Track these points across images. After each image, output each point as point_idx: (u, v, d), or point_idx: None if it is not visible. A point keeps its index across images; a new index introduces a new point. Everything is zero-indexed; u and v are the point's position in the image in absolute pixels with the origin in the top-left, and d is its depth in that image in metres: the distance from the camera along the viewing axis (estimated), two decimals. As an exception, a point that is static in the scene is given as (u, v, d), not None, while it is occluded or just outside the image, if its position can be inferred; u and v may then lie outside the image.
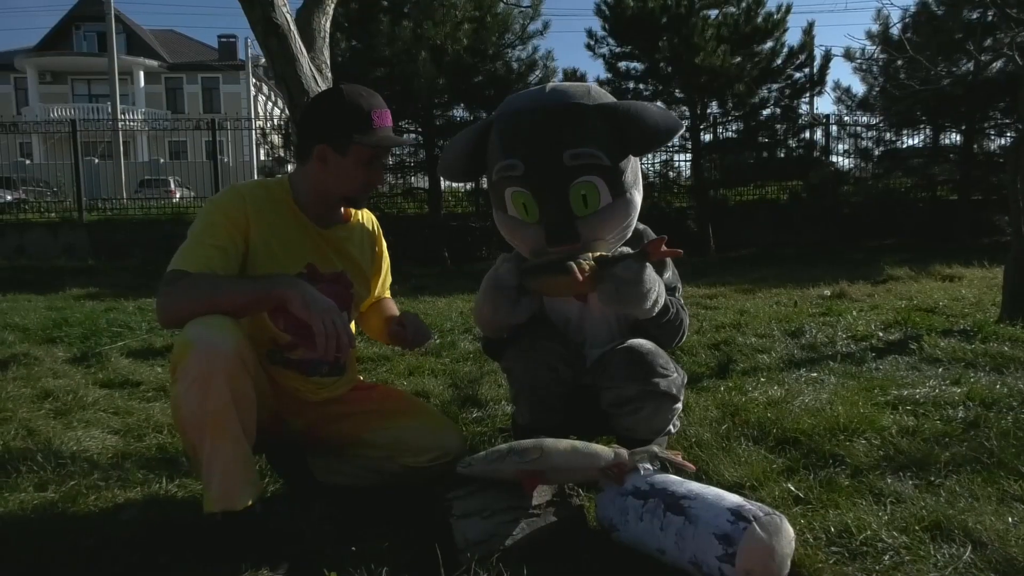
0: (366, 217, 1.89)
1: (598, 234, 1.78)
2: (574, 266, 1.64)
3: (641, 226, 1.94)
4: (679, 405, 1.84)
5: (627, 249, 1.77)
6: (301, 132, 1.71)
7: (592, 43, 9.72)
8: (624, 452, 1.56)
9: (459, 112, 9.60)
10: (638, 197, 1.83)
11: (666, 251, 1.73)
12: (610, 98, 1.81)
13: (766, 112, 9.94)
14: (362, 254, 1.84)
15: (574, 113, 1.73)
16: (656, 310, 1.75)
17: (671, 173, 10.33)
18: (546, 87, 1.82)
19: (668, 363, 1.80)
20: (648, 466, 1.55)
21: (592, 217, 1.76)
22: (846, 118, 10.70)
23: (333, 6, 4.20)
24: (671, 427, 1.88)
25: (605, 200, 1.75)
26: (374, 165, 1.68)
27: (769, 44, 9.45)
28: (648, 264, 1.71)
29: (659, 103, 9.56)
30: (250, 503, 1.48)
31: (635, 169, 1.83)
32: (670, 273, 1.91)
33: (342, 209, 1.80)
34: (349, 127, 1.63)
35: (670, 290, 1.89)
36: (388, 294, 2.04)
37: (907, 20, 9.37)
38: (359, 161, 1.66)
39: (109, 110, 19.22)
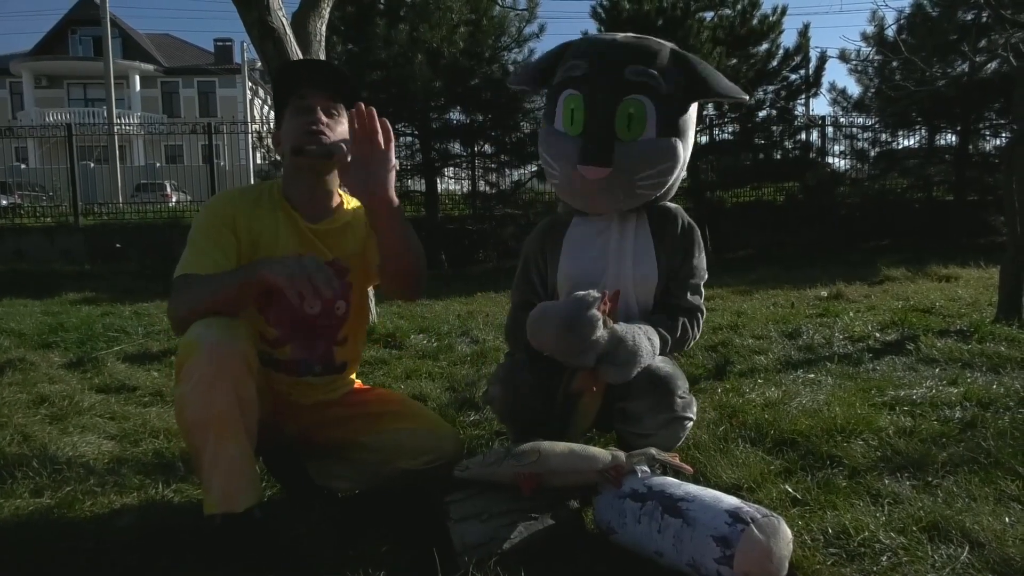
0: (360, 211, 1.81)
1: (631, 167, 1.75)
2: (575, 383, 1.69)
3: (674, 206, 1.93)
4: (691, 424, 1.81)
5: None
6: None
7: (588, 46, 9.73)
8: (622, 455, 1.56)
9: (455, 115, 9.61)
10: (682, 153, 1.82)
11: (609, 303, 1.67)
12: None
13: (762, 114, 9.96)
14: (359, 237, 1.78)
15: (646, 45, 1.80)
16: (656, 351, 1.73)
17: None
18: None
19: (686, 386, 1.78)
20: (646, 468, 1.55)
21: (631, 144, 1.75)
22: (842, 119, 10.73)
23: (329, 9, 4.21)
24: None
25: (650, 132, 1.75)
26: (301, 111, 1.66)
27: (765, 46, 9.48)
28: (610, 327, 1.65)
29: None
30: (250, 506, 1.48)
31: (689, 130, 1.84)
32: (698, 257, 1.89)
33: (333, 202, 1.77)
34: (276, 104, 1.72)
35: (698, 275, 1.89)
36: None
37: (902, 21, 9.40)
38: (289, 117, 1.68)
39: (105, 114, 19.17)
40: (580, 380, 1.70)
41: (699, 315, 1.89)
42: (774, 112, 9.95)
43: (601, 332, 1.61)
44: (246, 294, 1.53)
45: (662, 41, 1.83)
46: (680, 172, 1.85)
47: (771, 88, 9.77)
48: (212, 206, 1.69)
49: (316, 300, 1.41)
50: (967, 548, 1.42)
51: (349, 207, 1.81)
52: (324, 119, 1.66)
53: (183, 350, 1.47)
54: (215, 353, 1.43)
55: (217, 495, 1.46)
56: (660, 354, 1.76)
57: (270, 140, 1.83)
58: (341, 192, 1.83)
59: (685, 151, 1.83)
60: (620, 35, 1.84)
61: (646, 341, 1.70)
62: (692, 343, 1.91)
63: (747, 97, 1.81)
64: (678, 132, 1.79)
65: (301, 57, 3.80)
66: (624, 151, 1.74)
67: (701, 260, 1.89)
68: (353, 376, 1.93)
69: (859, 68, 10.03)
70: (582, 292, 1.66)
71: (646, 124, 1.74)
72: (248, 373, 1.48)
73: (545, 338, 1.65)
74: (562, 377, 1.78)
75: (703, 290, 1.91)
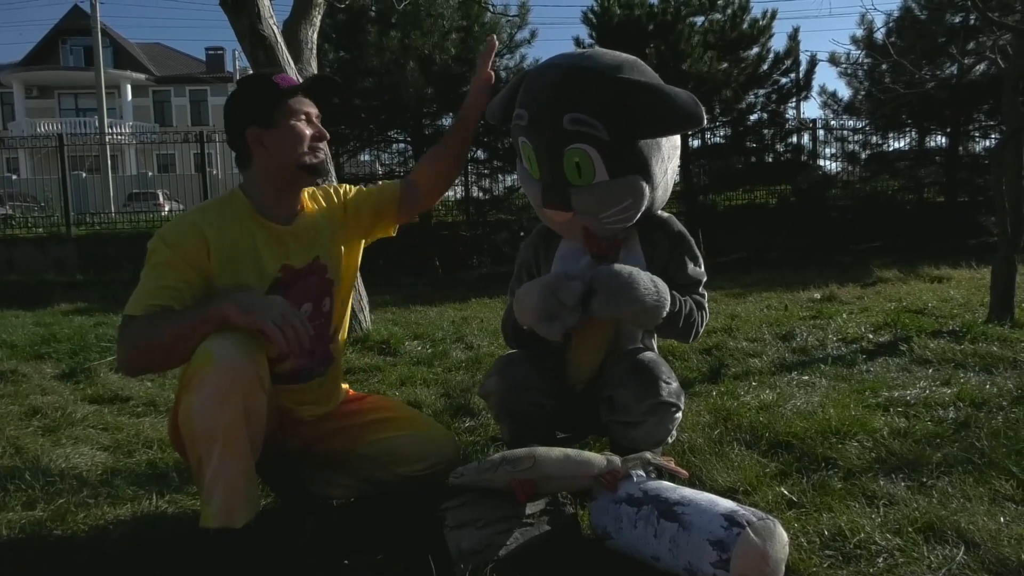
0: (321, 190, 1.83)
1: (590, 209, 1.73)
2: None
3: (665, 215, 1.90)
4: (680, 415, 1.81)
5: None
6: (230, 136, 1.68)
7: (579, 51, 9.76)
8: (617, 459, 1.56)
9: (448, 121, 9.62)
10: (647, 188, 1.74)
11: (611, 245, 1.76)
12: (645, 76, 1.74)
13: (753, 117, 10.02)
14: (332, 225, 1.78)
15: (588, 79, 1.69)
16: (663, 310, 1.66)
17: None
18: (586, 51, 1.80)
19: (670, 373, 1.78)
20: (641, 473, 1.55)
21: (585, 189, 1.71)
22: (832, 122, 10.80)
23: (320, 17, 4.21)
24: (668, 438, 1.87)
25: (600, 175, 1.70)
26: (307, 121, 1.67)
27: (755, 50, 9.54)
28: (621, 263, 1.69)
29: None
30: (248, 521, 1.47)
31: (652, 156, 1.74)
32: (692, 266, 1.86)
33: (299, 203, 1.74)
34: (261, 100, 1.63)
35: (695, 284, 1.84)
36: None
37: (891, 24, 9.50)
38: (289, 121, 1.64)
39: (96, 124, 19.17)
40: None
41: (703, 309, 1.85)
42: (765, 115, 10.01)
43: (576, 309, 1.64)
44: (201, 332, 1.47)
45: (612, 61, 1.72)
46: (658, 192, 1.81)
47: (762, 92, 9.85)
48: (170, 239, 1.57)
49: (300, 348, 1.46)
50: (963, 548, 1.42)
51: (312, 206, 1.78)
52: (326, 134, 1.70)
53: (197, 360, 1.45)
54: (230, 367, 1.42)
55: (216, 509, 1.45)
56: (669, 308, 1.68)
57: (248, 136, 1.72)
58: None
59: (653, 176, 1.76)
60: (564, 64, 1.73)
61: (647, 277, 1.65)
62: (699, 329, 1.83)
63: (702, 121, 1.68)
64: (635, 167, 1.73)
65: (292, 65, 3.81)
66: (580, 196, 1.72)
67: (697, 267, 1.86)
68: (341, 373, 1.92)
69: (849, 71, 10.10)
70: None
71: (595, 169, 1.70)
72: (260, 388, 1.48)
73: (527, 301, 1.68)
74: (556, 369, 1.80)
75: (704, 292, 1.88)
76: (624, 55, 1.77)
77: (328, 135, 1.72)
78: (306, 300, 1.71)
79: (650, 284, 1.64)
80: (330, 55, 8.75)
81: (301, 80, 1.70)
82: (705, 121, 1.70)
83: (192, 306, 1.52)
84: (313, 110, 1.69)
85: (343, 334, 1.88)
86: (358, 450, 1.78)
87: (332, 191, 1.85)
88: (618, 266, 1.66)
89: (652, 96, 1.67)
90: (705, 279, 1.88)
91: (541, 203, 1.79)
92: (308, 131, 1.66)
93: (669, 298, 1.67)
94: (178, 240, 1.57)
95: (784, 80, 9.89)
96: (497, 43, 1.90)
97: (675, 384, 1.77)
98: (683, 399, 1.80)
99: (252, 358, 1.46)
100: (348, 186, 1.90)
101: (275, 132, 1.63)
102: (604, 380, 1.78)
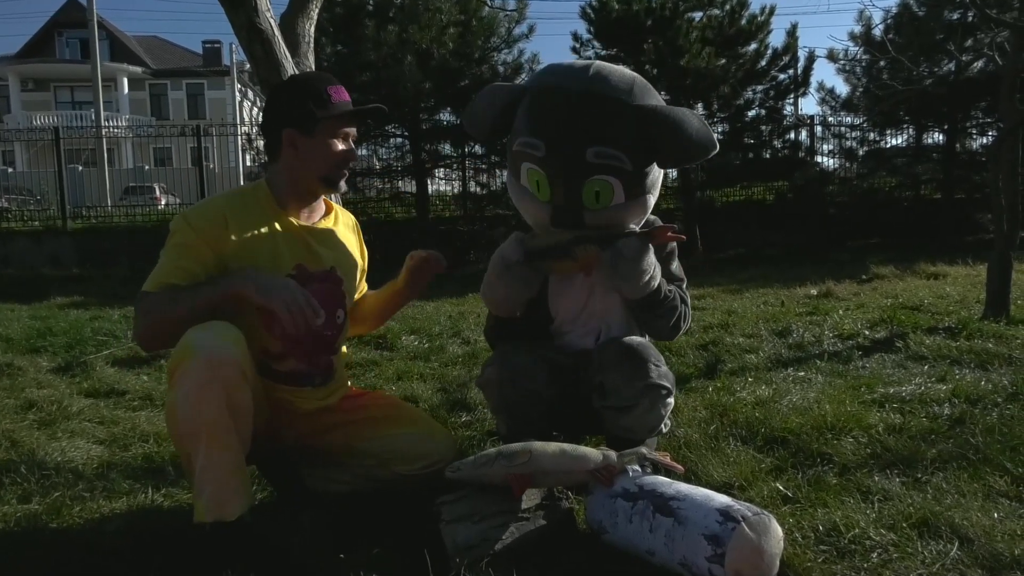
0: (346, 215, 1.91)
1: (602, 226, 1.78)
2: (578, 253, 1.67)
3: (652, 216, 1.93)
4: (672, 400, 1.82)
5: (634, 227, 1.77)
6: (266, 126, 1.71)
7: (577, 46, 9.74)
8: (613, 454, 1.56)
9: (445, 116, 9.60)
10: (652, 200, 1.83)
11: (670, 236, 1.76)
12: (652, 98, 1.76)
13: (751, 113, 9.98)
14: (349, 245, 1.85)
15: (610, 109, 1.69)
16: (649, 290, 1.73)
17: (658, 175, 10.36)
18: (590, 68, 1.75)
19: (659, 357, 1.80)
20: (637, 468, 1.56)
21: (601, 212, 1.75)
22: (830, 119, 10.77)
23: (318, 11, 4.19)
24: (663, 426, 1.88)
25: (618, 199, 1.74)
26: (343, 139, 1.70)
27: (753, 46, 9.50)
28: (650, 246, 1.72)
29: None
30: (241, 513, 1.47)
31: (657, 173, 1.82)
32: (676, 264, 1.92)
33: (323, 203, 1.80)
34: (309, 106, 1.64)
35: (677, 280, 1.88)
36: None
37: (889, 21, 9.44)
38: (327, 137, 1.67)
39: (93, 117, 19.06)
40: (586, 253, 1.69)
41: (687, 304, 1.90)
42: (763, 112, 9.99)
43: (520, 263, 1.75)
44: (217, 307, 1.52)
45: (623, 84, 1.71)
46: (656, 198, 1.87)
47: (760, 88, 9.81)
48: (194, 220, 1.61)
49: (305, 328, 1.49)
50: (956, 544, 1.43)
51: (339, 221, 1.83)
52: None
53: (176, 355, 1.46)
54: (209, 359, 1.43)
55: (208, 503, 1.45)
56: (661, 297, 1.78)
57: (284, 135, 1.67)
58: (328, 200, 1.86)
59: (655, 195, 1.83)
60: (575, 89, 1.70)
61: (654, 261, 1.73)
62: (683, 322, 1.88)
63: (715, 147, 1.73)
64: (649, 187, 1.79)
65: (290, 59, 3.79)
66: (595, 217, 1.76)
67: (679, 267, 1.93)
68: (346, 380, 1.93)
69: (847, 67, 10.07)
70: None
71: (614, 196, 1.74)
72: (242, 380, 1.47)
73: (487, 277, 1.85)
74: (554, 359, 1.83)
75: (687, 291, 1.94)
76: (628, 73, 1.78)
77: (356, 155, 1.76)
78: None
79: (654, 268, 1.73)
80: (327, 49, 8.70)
81: (349, 99, 1.73)
82: (718, 147, 1.75)
83: (206, 283, 1.55)
84: (352, 129, 1.73)
85: (342, 355, 1.90)
86: (357, 446, 1.78)
87: (359, 228, 1.93)
88: (645, 249, 1.72)
89: (670, 128, 1.69)
90: (685, 282, 1.94)
91: (550, 223, 1.81)
92: (341, 147, 1.69)
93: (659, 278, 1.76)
94: (201, 223, 1.60)
95: (782, 76, 9.86)
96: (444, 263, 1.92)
97: (664, 367, 1.78)
98: (673, 384, 1.81)
99: (233, 349, 1.46)
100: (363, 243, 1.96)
101: (311, 141, 1.66)
102: (594, 366, 1.80)
